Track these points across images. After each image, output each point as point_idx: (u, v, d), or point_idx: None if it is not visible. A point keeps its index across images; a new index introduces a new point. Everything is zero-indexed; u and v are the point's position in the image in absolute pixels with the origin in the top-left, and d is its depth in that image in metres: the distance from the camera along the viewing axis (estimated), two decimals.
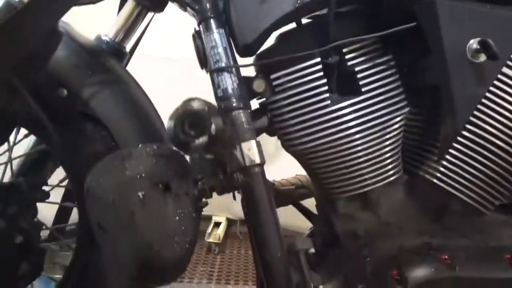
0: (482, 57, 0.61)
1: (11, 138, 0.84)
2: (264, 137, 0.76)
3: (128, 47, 0.90)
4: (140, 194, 0.44)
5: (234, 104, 0.68)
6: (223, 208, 1.95)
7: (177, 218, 0.46)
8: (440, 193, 0.74)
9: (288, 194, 0.86)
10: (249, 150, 0.65)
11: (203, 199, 0.50)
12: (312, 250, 0.70)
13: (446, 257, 0.63)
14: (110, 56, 0.77)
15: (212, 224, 1.92)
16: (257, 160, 0.66)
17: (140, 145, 0.48)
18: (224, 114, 0.68)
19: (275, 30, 0.70)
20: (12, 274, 0.63)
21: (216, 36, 0.70)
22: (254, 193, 0.66)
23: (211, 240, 1.82)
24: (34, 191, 0.63)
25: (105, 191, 0.45)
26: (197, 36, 0.73)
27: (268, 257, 0.65)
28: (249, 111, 0.69)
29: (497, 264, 0.64)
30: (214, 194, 0.64)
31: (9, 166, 0.81)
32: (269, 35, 0.69)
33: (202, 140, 0.36)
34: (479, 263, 0.64)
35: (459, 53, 0.61)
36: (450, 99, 0.62)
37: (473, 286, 0.62)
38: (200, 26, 0.71)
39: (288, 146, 0.76)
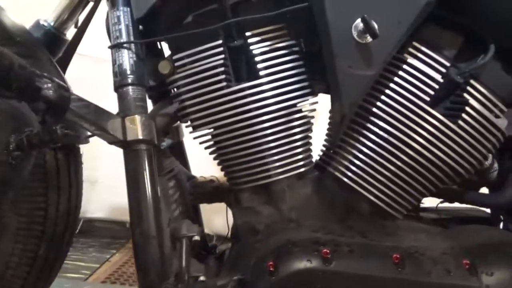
0: (369, 38, 0.58)
1: None
2: None
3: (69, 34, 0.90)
4: None
5: (127, 80, 0.67)
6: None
7: None
8: (348, 191, 0.69)
9: (204, 187, 0.83)
10: (132, 125, 0.64)
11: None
12: (197, 238, 0.66)
13: (327, 251, 0.58)
14: (38, 47, 0.76)
15: None
16: (139, 136, 0.64)
17: None
18: (116, 90, 0.68)
19: (165, 6, 0.68)
20: None
21: (120, 13, 0.70)
22: (134, 168, 0.64)
23: None
24: None
25: None
26: (107, 15, 0.74)
27: (140, 237, 0.62)
28: (143, 88, 0.68)
29: (380, 262, 0.58)
30: None
31: None
32: (162, 12, 0.68)
33: None
34: (361, 260, 0.58)
35: (345, 33, 0.58)
36: (335, 81, 0.59)
37: (347, 281, 0.56)
38: (107, 3, 0.72)
39: (192, 130, 0.74)
